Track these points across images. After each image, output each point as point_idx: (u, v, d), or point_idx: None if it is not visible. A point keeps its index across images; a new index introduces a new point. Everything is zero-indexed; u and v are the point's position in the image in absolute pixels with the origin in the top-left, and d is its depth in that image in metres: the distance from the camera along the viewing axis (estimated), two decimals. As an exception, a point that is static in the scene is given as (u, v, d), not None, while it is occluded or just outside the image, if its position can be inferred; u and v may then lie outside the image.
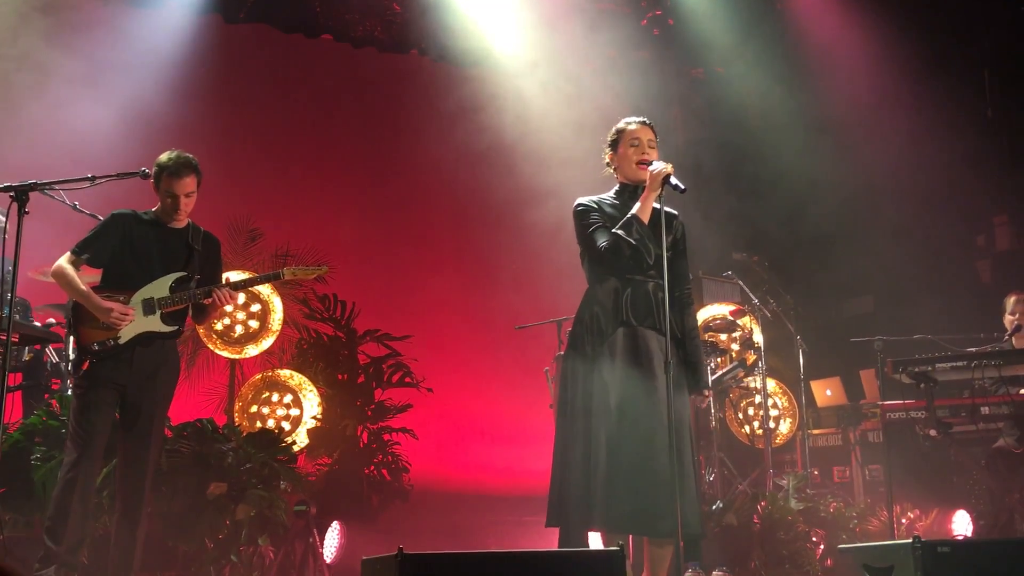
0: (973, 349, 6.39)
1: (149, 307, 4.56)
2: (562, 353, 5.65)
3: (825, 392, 8.50)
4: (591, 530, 4.12)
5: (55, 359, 6.35)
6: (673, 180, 4.11)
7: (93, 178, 4.51)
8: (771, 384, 8.18)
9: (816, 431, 8.24)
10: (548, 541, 4.61)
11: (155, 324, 4.57)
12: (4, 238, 4.69)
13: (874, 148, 8.77)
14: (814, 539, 6.24)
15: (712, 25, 9.25)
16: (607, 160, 4.46)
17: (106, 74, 7.88)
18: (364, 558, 3.52)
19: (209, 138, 7.94)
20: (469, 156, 8.90)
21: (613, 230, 4.16)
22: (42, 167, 5.12)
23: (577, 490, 4.04)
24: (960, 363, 6.08)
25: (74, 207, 4.86)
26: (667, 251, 4.04)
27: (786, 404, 8.37)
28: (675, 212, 4.38)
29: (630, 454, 4.01)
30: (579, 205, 4.32)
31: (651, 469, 3.98)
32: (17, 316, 5.58)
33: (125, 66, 8.01)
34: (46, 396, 6.19)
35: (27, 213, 4.25)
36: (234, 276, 4.89)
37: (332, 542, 5.80)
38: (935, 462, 6.42)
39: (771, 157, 9.13)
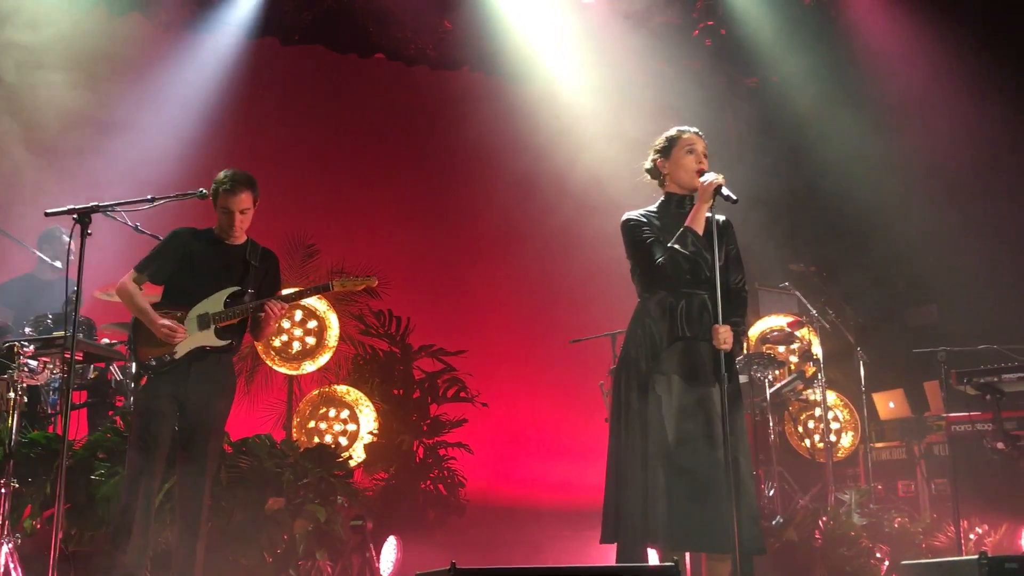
0: (1041, 359, 6.21)
1: (204, 322, 4.64)
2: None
3: (888, 404, 8.32)
4: (651, 546, 4.06)
5: (119, 377, 6.49)
6: (725, 191, 4.06)
7: (153, 199, 4.61)
8: (831, 397, 8.04)
9: (879, 444, 8.07)
10: (604, 556, 4.57)
11: (210, 339, 4.65)
12: (69, 259, 4.81)
13: (937, 154, 8.57)
14: (878, 555, 6.09)
15: (765, 34, 9.14)
16: (652, 165, 4.38)
17: (165, 98, 8.08)
18: (418, 573, 3.53)
19: (267, 157, 8.07)
20: (522, 170, 8.92)
21: (669, 244, 4.12)
22: (104, 189, 5.24)
23: (635, 506, 3.99)
24: (1027, 373, 5.92)
25: (135, 228, 4.97)
26: (720, 260, 4.00)
27: (847, 417, 8.22)
28: (725, 218, 4.32)
29: (687, 470, 3.96)
30: (628, 220, 4.27)
31: (709, 484, 3.93)
32: (81, 335, 5.72)
33: (184, 90, 8.20)
34: (110, 413, 6.32)
35: (90, 235, 4.36)
36: (285, 291, 4.95)
37: (389, 556, 5.83)
38: (1003, 475, 6.24)
39: (828, 166, 8.99)
